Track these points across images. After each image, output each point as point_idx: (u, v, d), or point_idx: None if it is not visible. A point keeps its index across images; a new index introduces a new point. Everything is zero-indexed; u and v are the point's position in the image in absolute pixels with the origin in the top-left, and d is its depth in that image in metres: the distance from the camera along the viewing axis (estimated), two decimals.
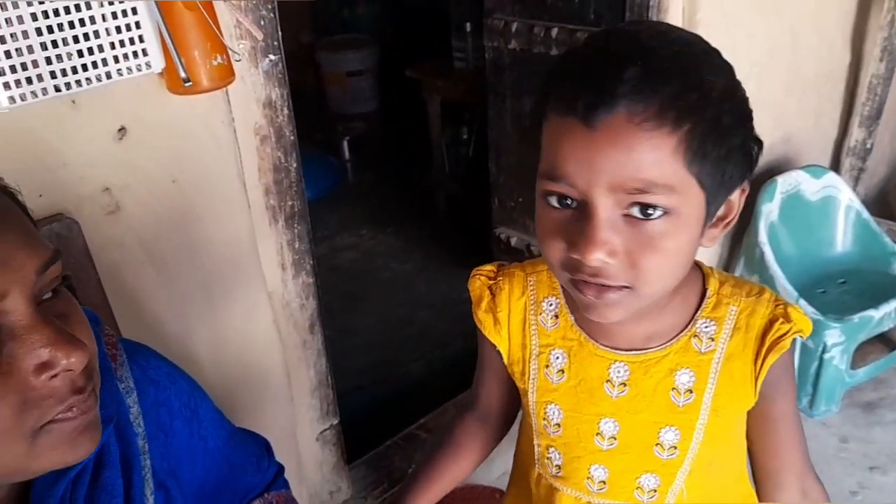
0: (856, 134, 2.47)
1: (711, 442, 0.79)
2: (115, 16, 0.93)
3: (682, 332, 0.77)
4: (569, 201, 0.64)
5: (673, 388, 0.77)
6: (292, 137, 1.30)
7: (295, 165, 1.32)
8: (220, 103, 1.14)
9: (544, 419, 0.83)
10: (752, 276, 2.15)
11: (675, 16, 1.86)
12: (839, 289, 2.24)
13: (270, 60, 1.22)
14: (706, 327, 0.76)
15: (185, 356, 1.23)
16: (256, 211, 1.29)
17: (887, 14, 2.28)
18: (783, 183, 2.20)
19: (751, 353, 0.76)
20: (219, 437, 0.80)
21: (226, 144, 1.18)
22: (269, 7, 1.19)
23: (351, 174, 3.90)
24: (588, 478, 0.83)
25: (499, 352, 0.85)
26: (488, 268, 0.86)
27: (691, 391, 0.77)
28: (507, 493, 1.00)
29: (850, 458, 1.98)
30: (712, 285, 0.78)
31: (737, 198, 0.69)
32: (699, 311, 0.77)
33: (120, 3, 0.93)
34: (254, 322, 1.33)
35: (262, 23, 1.18)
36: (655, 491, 0.81)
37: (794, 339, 0.75)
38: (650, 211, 0.61)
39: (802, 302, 2.01)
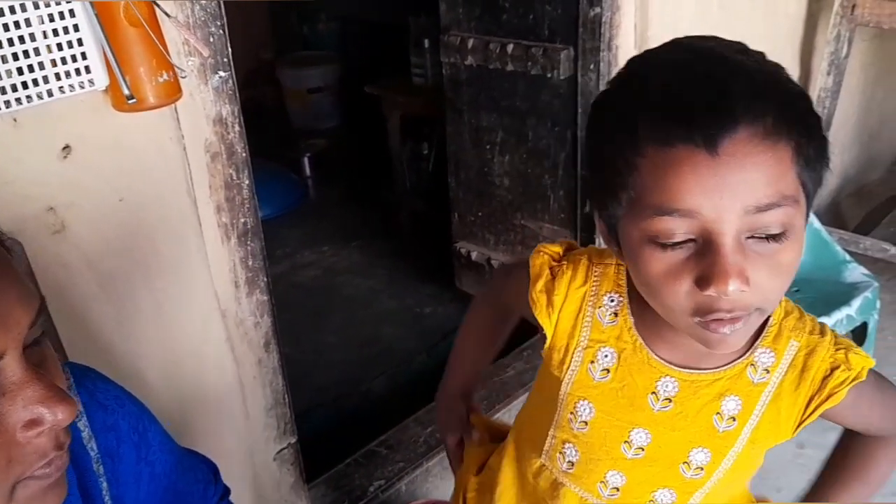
0: None
1: (738, 468, 0.79)
2: (56, 32, 0.92)
3: (739, 358, 0.75)
4: (680, 238, 0.60)
5: (717, 413, 0.76)
6: (244, 154, 1.29)
7: (247, 182, 1.31)
8: (169, 120, 1.13)
9: (571, 413, 0.81)
10: None
11: (627, 32, 1.89)
12: (793, 297, 2.23)
13: (220, 77, 1.21)
14: (764, 357, 0.75)
15: (135, 377, 1.21)
16: (208, 228, 1.27)
17: (833, 29, 2.35)
18: None
19: (804, 395, 0.74)
20: (166, 462, 0.79)
21: (174, 162, 1.16)
22: (219, 24, 1.18)
23: (312, 191, 3.88)
24: (602, 481, 0.82)
25: (510, 314, 0.86)
26: (554, 248, 0.83)
27: (734, 419, 0.76)
28: (466, 477, 1.00)
29: (806, 463, 2.01)
30: (776, 314, 0.76)
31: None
32: (760, 339, 0.75)
33: (61, 19, 0.91)
34: (206, 341, 1.31)
35: (212, 39, 1.17)
36: None
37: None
38: (769, 232, 0.60)
39: None
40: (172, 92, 1.03)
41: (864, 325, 2.20)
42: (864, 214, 2.92)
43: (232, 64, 1.23)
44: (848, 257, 2.30)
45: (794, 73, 2.49)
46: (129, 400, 0.75)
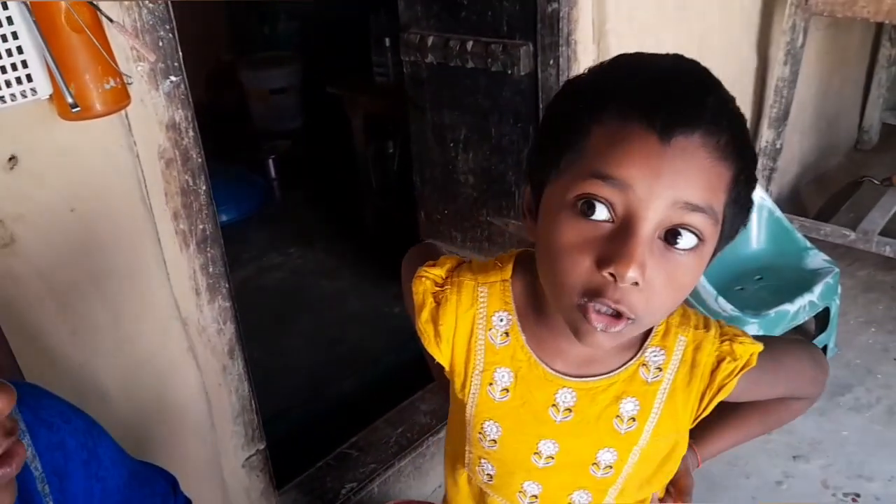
0: (766, 135, 2.56)
1: (646, 462, 0.80)
2: None
3: (631, 360, 0.76)
4: (601, 212, 0.61)
5: (617, 416, 0.77)
6: (200, 160, 1.27)
7: (204, 188, 1.29)
8: (119, 127, 1.11)
9: (480, 433, 0.82)
10: None
11: (585, 27, 1.90)
12: (756, 285, 2.32)
13: (171, 82, 1.19)
14: (655, 356, 0.76)
15: (93, 390, 1.19)
16: (165, 236, 1.25)
17: (789, 19, 2.38)
18: None
19: (696, 390, 0.76)
20: (119, 476, 0.77)
21: (127, 170, 1.14)
22: (168, 27, 1.16)
23: (277, 193, 3.85)
24: (520, 491, 0.83)
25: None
26: (436, 271, 0.81)
27: (634, 419, 0.77)
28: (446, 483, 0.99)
29: (774, 448, 2.04)
30: None
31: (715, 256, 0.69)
32: (649, 339, 0.76)
33: None
34: (167, 350, 1.29)
35: (161, 43, 1.15)
36: None
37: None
38: (679, 239, 0.61)
39: (721, 300, 2.07)
40: (120, 98, 1.01)
41: (826, 311, 2.24)
42: (824, 201, 2.97)
43: (184, 68, 1.21)
44: (809, 244, 2.33)
45: (751, 64, 2.54)
46: (76, 415, 0.73)
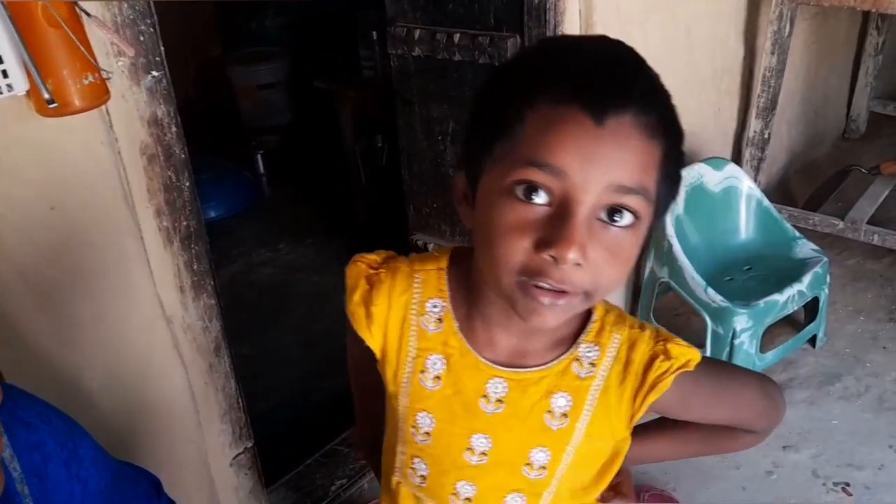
0: (753, 125, 2.56)
1: (581, 464, 0.79)
2: None
3: (563, 354, 0.76)
4: (538, 197, 0.62)
5: (548, 411, 0.76)
6: (183, 156, 1.26)
7: (188, 184, 1.28)
8: (99, 124, 1.09)
9: (413, 427, 0.81)
10: (662, 269, 2.21)
11: (572, 18, 1.89)
12: (745, 275, 2.32)
13: (153, 77, 1.17)
14: (588, 352, 0.76)
15: (77, 390, 1.17)
16: (148, 233, 1.24)
17: (776, 9, 2.37)
18: (686, 176, 2.25)
19: (630, 389, 0.75)
20: (101, 477, 0.76)
21: (108, 166, 1.13)
22: (149, 22, 1.14)
23: (266, 188, 3.83)
24: (454, 493, 0.81)
25: (370, 352, 0.81)
26: (372, 256, 0.82)
27: (566, 415, 0.76)
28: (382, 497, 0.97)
29: (766, 440, 2.05)
30: (599, 310, 0.77)
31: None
32: (583, 335, 0.76)
33: None
34: (151, 348, 1.27)
35: (142, 38, 1.14)
36: None
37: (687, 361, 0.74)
38: (617, 217, 0.62)
39: (710, 290, 2.07)
40: (100, 94, 1.00)
41: (815, 300, 2.24)
42: (812, 190, 2.98)
43: (165, 63, 1.19)
44: (797, 234, 2.34)
45: (738, 53, 2.54)
46: (55, 416, 0.73)
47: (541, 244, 0.62)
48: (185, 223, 1.29)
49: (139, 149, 1.19)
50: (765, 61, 2.47)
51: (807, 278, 2.15)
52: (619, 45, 0.67)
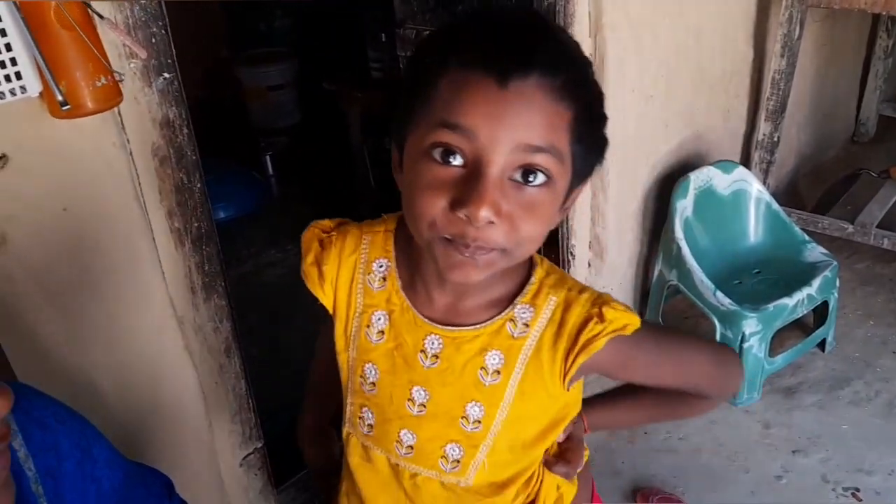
0: (763, 128, 2.55)
1: (515, 422, 0.81)
2: None
3: (499, 314, 0.79)
4: (454, 159, 0.65)
5: (482, 367, 0.80)
6: (195, 157, 1.26)
7: (199, 185, 1.28)
8: (111, 125, 1.10)
9: (361, 377, 0.85)
10: (671, 272, 2.20)
11: (581, 20, 1.88)
12: (754, 279, 2.31)
13: (165, 78, 1.18)
14: (523, 313, 0.79)
15: (89, 390, 1.18)
16: (160, 234, 1.24)
17: (785, 11, 2.37)
18: (696, 179, 2.25)
19: (562, 349, 0.77)
20: (114, 477, 0.77)
21: (120, 168, 1.13)
22: (160, 24, 1.15)
23: (275, 189, 3.83)
24: (397, 441, 0.85)
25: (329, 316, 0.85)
26: (326, 222, 0.87)
27: (498, 372, 0.79)
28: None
29: (773, 443, 2.04)
30: (538, 273, 0.80)
31: (578, 190, 0.74)
32: (519, 297, 0.79)
33: None
34: (163, 349, 1.28)
35: (154, 40, 1.14)
36: (458, 462, 0.84)
37: (631, 327, 0.76)
38: (531, 177, 0.66)
39: (720, 294, 2.07)
40: (112, 96, 1.00)
41: (825, 304, 2.23)
42: (822, 193, 2.97)
43: (177, 65, 1.20)
44: (807, 237, 2.33)
45: (747, 56, 2.53)
46: (70, 416, 0.73)
47: (455, 203, 0.65)
48: (196, 224, 1.30)
49: (151, 150, 1.20)
50: (774, 64, 2.46)
51: (816, 282, 2.15)
52: (534, 14, 0.71)
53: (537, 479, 0.88)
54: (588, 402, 0.94)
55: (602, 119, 0.72)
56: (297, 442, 1.13)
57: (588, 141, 0.70)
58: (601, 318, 0.75)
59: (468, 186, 0.64)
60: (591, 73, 0.71)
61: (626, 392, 0.97)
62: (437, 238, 0.68)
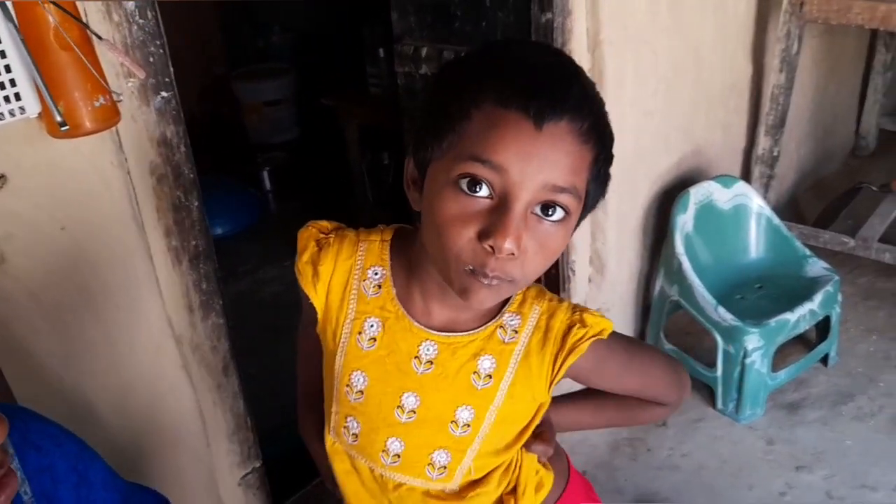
0: (762, 143, 2.55)
1: (502, 424, 0.85)
2: None
3: (490, 321, 0.83)
4: (480, 189, 0.68)
5: (475, 372, 0.83)
6: (192, 175, 1.26)
7: (197, 204, 1.27)
8: (109, 144, 1.09)
9: (347, 385, 0.86)
10: (673, 287, 2.19)
11: (579, 36, 1.89)
12: (756, 294, 2.30)
13: (162, 97, 1.17)
14: (511, 320, 0.83)
15: (86, 411, 1.17)
16: (157, 253, 1.23)
17: (783, 27, 2.37)
18: (696, 194, 2.25)
19: (550, 353, 0.82)
20: (111, 500, 0.76)
21: (118, 187, 1.13)
22: (158, 43, 1.14)
23: (273, 205, 3.83)
24: (384, 450, 0.86)
25: (315, 312, 0.86)
26: (324, 223, 0.89)
27: (490, 376, 0.83)
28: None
29: (776, 459, 2.03)
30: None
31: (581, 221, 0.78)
32: (507, 306, 0.83)
33: None
34: (160, 368, 1.27)
35: (152, 59, 1.14)
36: (445, 468, 0.86)
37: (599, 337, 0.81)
38: (550, 212, 0.69)
39: (721, 309, 2.06)
40: (110, 116, 1.00)
41: (827, 319, 2.23)
42: (822, 208, 2.96)
43: (175, 83, 1.19)
44: (808, 252, 2.32)
45: (746, 71, 2.53)
46: (66, 439, 0.72)
47: (482, 234, 0.68)
48: (193, 243, 1.29)
49: (149, 169, 1.19)
50: (773, 79, 2.46)
51: (818, 297, 2.14)
52: (559, 53, 0.75)
53: (516, 465, 0.91)
54: (554, 403, 0.97)
55: (612, 158, 0.75)
56: (299, 431, 1.16)
57: (601, 178, 0.74)
58: (583, 323, 0.81)
59: (495, 218, 0.68)
60: (607, 114, 0.74)
61: (590, 396, 1.00)
62: (463, 271, 0.71)
